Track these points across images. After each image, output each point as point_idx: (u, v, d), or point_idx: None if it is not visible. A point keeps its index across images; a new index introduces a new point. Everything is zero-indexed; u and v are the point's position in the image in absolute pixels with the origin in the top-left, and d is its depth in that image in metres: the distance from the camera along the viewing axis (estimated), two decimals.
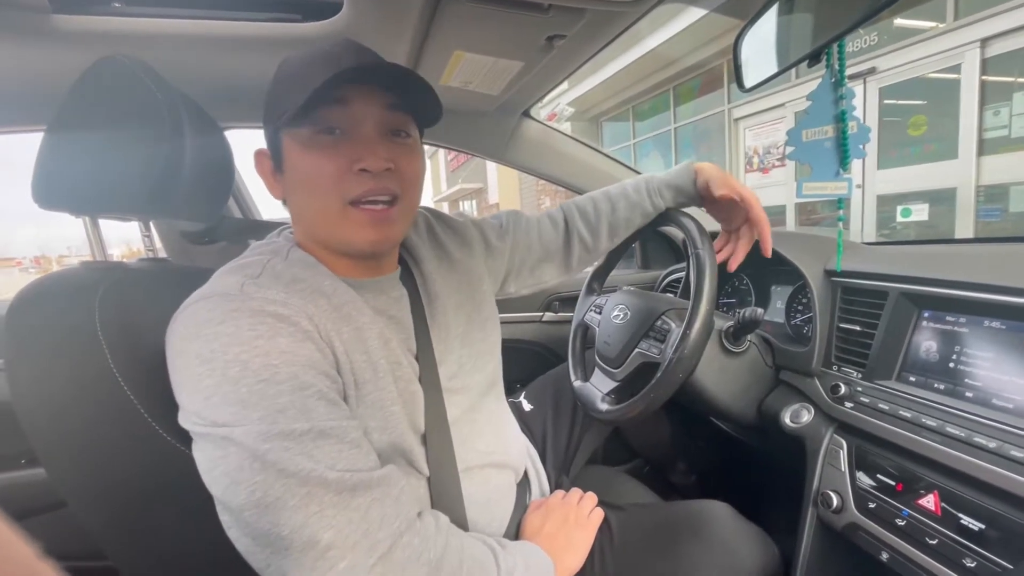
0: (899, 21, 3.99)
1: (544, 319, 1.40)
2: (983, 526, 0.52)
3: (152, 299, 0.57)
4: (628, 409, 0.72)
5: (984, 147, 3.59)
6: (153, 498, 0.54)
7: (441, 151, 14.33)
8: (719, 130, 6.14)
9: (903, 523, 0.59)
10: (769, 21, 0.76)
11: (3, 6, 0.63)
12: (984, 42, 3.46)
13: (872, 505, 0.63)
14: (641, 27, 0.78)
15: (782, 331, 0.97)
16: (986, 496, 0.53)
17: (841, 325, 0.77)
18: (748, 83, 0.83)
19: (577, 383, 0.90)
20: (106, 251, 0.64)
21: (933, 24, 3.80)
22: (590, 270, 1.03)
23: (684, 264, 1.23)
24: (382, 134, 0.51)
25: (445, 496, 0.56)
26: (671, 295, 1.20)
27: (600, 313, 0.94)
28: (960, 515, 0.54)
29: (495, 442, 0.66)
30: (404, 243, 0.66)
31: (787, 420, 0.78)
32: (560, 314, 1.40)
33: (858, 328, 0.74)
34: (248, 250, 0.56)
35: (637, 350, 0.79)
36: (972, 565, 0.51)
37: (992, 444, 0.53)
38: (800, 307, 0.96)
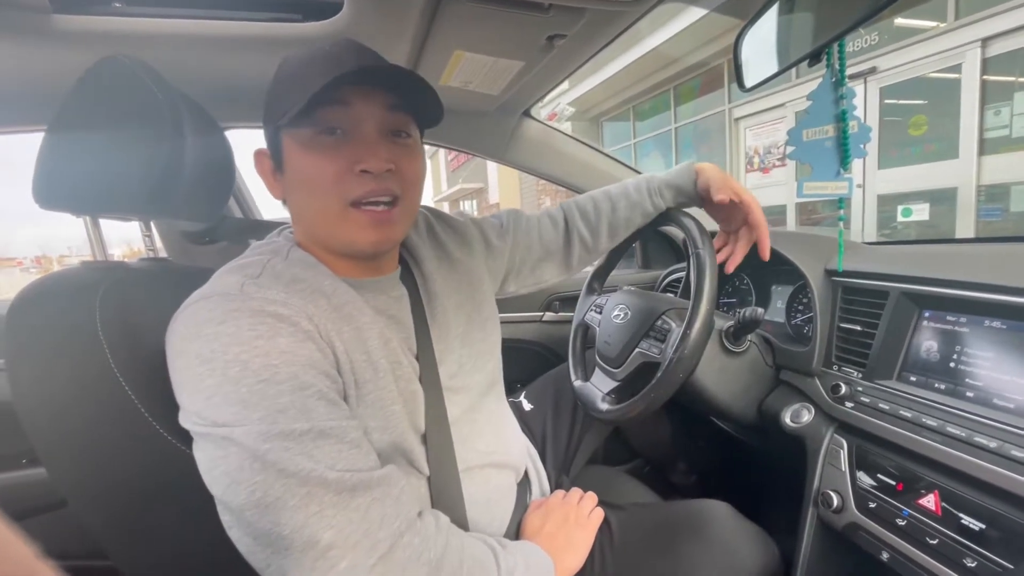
0: (900, 21, 3.99)
1: (544, 319, 1.40)
2: (984, 526, 0.52)
3: (153, 299, 0.57)
4: (628, 409, 0.72)
5: (985, 147, 3.59)
6: (154, 498, 0.54)
7: (441, 151, 14.33)
8: (720, 130, 6.14)
9: (903, 523, 0.59)
10: (769, 21, 0.76)
11: (4, 6, 0.63)
12: (985, 42, 3.46)
13: (872, 505, 0.63)
14: (641, 27, 0.78)
15: (782, 331, 0.97)
16: (987, 496, 0.53)
17: (841, 325, 0.77)
18: (748, 83, 0.82)
19: (577, 383, 0.90)
20: (107, 251, 0.64)
21: (934, 24, 3.80)
22: (590, 270, 1.03)
23: (684, 264, 1.23)
24: (383, 135, 0.51)
25: (445, 496, 0.56)
26: (671, 295, 1.20)
27: (600, 313, 0.94)
28: (961, 515, 0.54)
29: (495, 442, 0.66)
30: (404, 243, 0.66)
31: (787, 420, 0.78)
32: (560, 314, 1.40)
33: (859, 328, 0.74)
34: (248, 250, 0.56)
35: (637, 350, 0.79)
36: (973, 565, 0.51)
37: (993, 444, 0.53)
38: (800, 307, 0.96)
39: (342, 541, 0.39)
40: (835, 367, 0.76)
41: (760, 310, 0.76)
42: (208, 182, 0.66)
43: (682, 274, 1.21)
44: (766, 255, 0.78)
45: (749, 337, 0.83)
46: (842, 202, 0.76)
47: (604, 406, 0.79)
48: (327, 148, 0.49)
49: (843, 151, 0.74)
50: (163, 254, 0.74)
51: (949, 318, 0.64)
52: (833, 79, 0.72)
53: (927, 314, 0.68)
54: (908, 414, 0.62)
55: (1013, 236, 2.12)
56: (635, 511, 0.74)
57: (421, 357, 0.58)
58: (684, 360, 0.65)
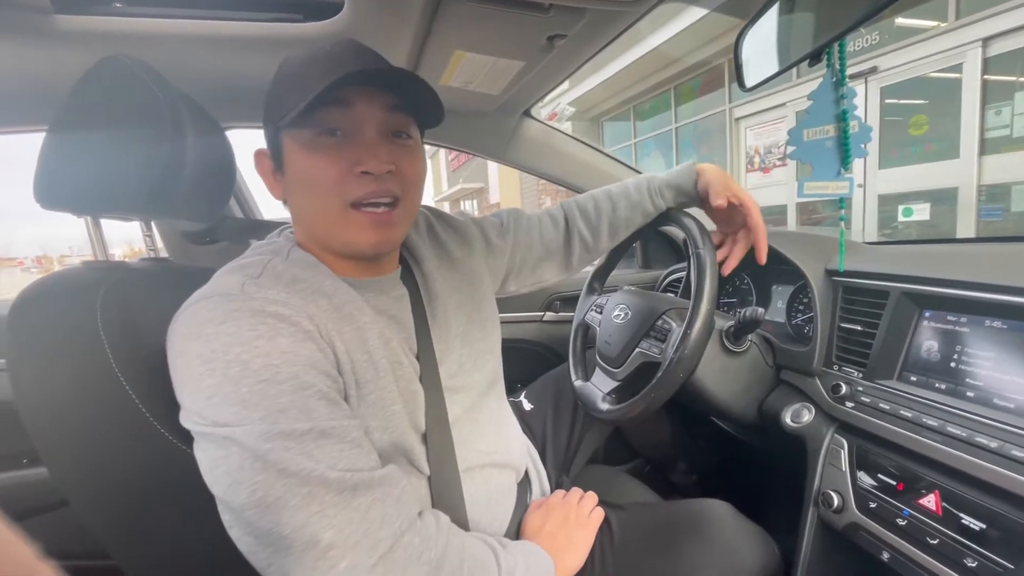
0: (900, 20, 3.99)
1: (545, 319, 1.40)
2: (984, 526, 0.52)
3: (153, 299, 0.57)
4: (629, 409, 0.72)
5: (986, 146, 3.59)
6: (155, 497, 0.54)
7: (442, 151, 14.34)
8: (720, 130, 6.14)
9: (904, 523, 0.59)
10: (770, 20, 0.76)
11: (5, 6, 0.63)
12: (986, 41, 3.46)
13: (873, 505, 0.63)
14: (642, 26, 0.78)
15: (783, 331, 0.97)
16: (987, 496, 0.53)
17: (842, 325, 0.77)
18: (749, 83, 0.82)
19: (578, 383, 0.90)
20: (108, 251, 0.64)
21: (934, 23, 3.79)
22: (591, 269, 1.03)
23: (685, 264, 1.23)
24: (383, 136, 0.51)
25: (446, 496, 0.56)
26: (672, 295, 1.20)
27: (601, 313, 0.94)
28: (961, 515, 0.54)
29: (496, 442, 0.66)
30: (405, 242, 0.66)
31: (788, 420, 0.78)
32: (561, 314, 1.40)
33: (859, 328, 0.74)
34: (249, 250, 0.56)
35: (638, 350, 0.79)
36: (973, 565, 0.51)
37: (993, 444, 0.53)
38: (801, 307, 0.96)
39: (343, 541, 0.39)
40: (835, 367, 0.76)
41: (760, 310, 0.76)
42: (209, 182, 0.66)
43: (682, 274, 1.21)
44: (763, 259, 0.78)
45: (750, 337, 0.83)
46: (843, 202, 0.76)
47: (604, 406, 0.80)
48: (328, 149, 0.49)
49: (844, 151, 0.74)
50: (164, 254, 0.74)
51: (950, 318, 0.64)
52: (834, 79, 0.72)
53: (928, 314, 0.67)
54: (909, 414, 0.62)
55: (1014, 236, 2.12)
56: (635, 511, 0.74)
57: (421, 357, 0.58)
58: (685, 360, 0.65)
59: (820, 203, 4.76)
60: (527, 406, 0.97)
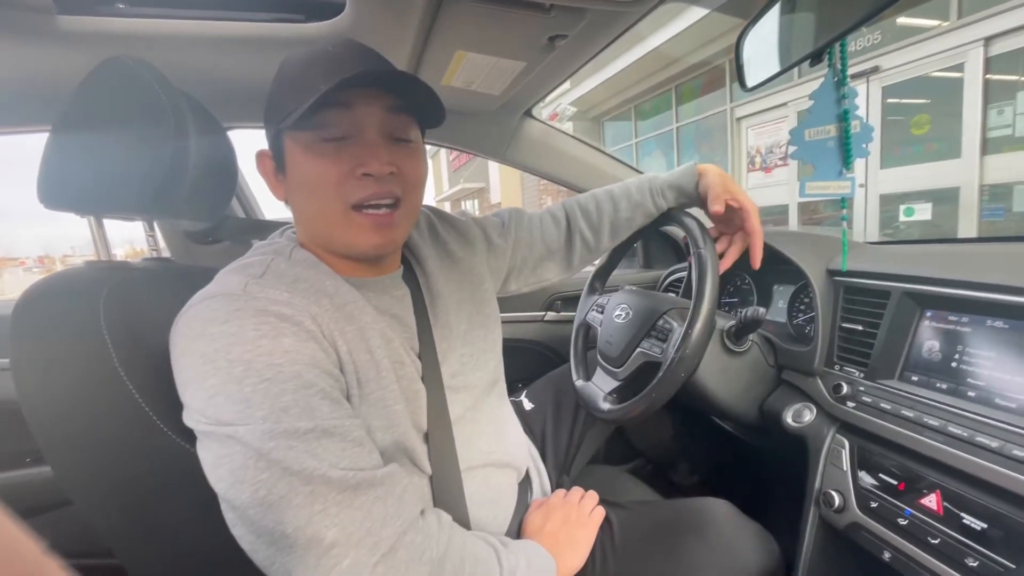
0: (902, 20, 3.98)
1: (546, 318, 1.40)
2: (985, 526, 0.52)
3: (156, 299, 0.57)
4: (630, 408, 0.72)
5: (988, 146, 3.58)
6: (158, 496, 0.54)
7: (443, 151, 14.34)
8: (721, 129, 6.13)
9: (905, 522, 0.59)
10: (771, 20, 0.76)
11: (8, 7, 0.64)
12: (987, 41, 3.45)
13: (874, 504, 0.63)
14: (643, 26, 0.77)
15: (784, 331, 0.97)
16: (988, 496, 0.53)
17: (843, 325, 0.77)
18: (750, 82, 0.82)
19: (579, 382, 0.90)
20: (110, 251, 0.65)
21: (936, 23, 3.79)
22: (592, 269, 1.03)
23: (686, 264, 1.23)
24: (384, 137, 0.51)
25: (447, 495, 0.56)
26: (673, 295, 1.20)
27: (602, 312, 0.94)
28: (962, 515, 0.54)
29: (497, 441, 0.66)
30: (406, 242, 0.66)
31: (789, 420, 0.78)
32: (562, 314, 1.40)
33: (860, 328, 0.74)
34: (251, 250, 0.56)
35: (639, 349, 0.79)
36: (974, 565, 0.51)
37: (994, 444, 0.53)
38: (802, 307, 0.96)
39: (345, 539, 0.40)
40: (837, 367, 0.76)
41: (762, 310, 0.76)
42: (211, 182, 0.67)
43: (684, 274, 1.21)
44: (757, 264, 0.77)
45: (751, 337, 0.83)
46: (844, 202, 0.76)
47: (606, 406, 0.80)
48: (329, 151, 0.49)
49: (845, 151, 0.74)
50: (166, 254, 0.74)
51: (951, 318, 0.64)
52: (835, 78, 0.72)
53: (929, 314, 0.67)
54: (910, 414, 0.62)
55: (1015, 236, 2.12)
56: (636, 510, 0.74)
57: (423, 356, 0.58)
58: (686, 360, 0.65)
59: (821, 203, 4.75)
60: (528, 406, 0.97)
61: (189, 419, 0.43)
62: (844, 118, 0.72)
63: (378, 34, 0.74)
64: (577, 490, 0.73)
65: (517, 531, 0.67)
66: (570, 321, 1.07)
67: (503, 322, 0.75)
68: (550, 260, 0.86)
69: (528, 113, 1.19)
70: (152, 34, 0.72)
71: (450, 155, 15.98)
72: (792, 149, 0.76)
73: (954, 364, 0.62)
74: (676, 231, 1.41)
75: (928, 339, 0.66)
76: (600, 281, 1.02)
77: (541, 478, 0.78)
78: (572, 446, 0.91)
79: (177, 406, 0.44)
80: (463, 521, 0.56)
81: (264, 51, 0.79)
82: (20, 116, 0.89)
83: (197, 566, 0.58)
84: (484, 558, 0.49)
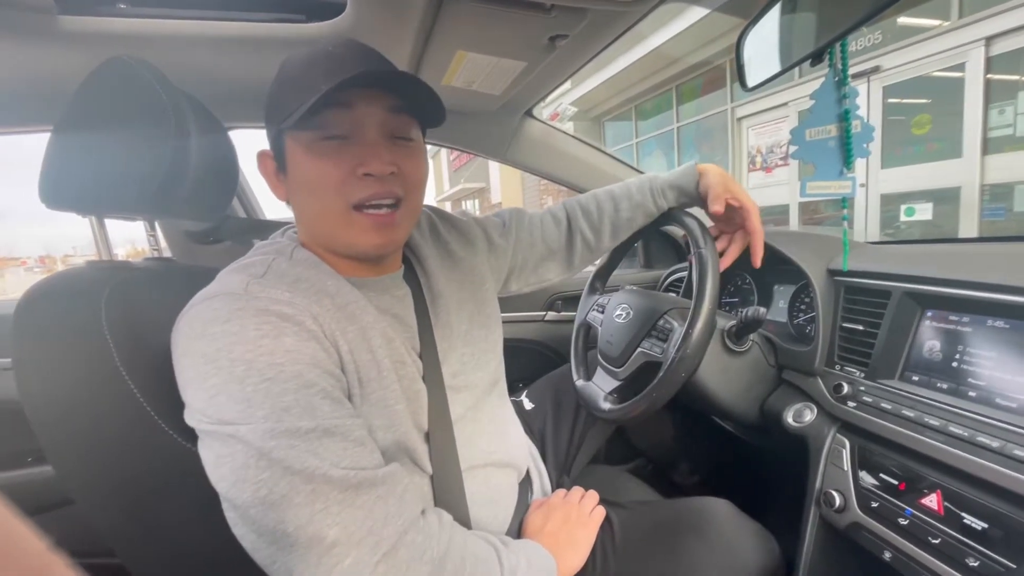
0: (903, 19, 3.98)
1: (547, 318, 1.40)
2: (986, 525, 0.52)
3: (158, 298, 0.57)
4: (630, 408, 0.72)
5: (989, 146, 3.58)
6: (160, 495, 0.54)
7: (443, 151, 14.34)
8: (722, 129, 6.13)
9: (906, 522, 0.59)
10: (772, 20, 0.76)
11: (9, 7, 0.64)
12: (989, 40, 3.45)
13: (875, 504, 0.63)
14: (643, 26, 0.78)
15: (785, 330, 0.97)
16: (989, 495, 0.53)
17: (844, 324, 0.77)
18: (751, 82, 0.82)
19: (579, 382, 0.90)
20: (112, 251, 0.65)
21: (937, 22, 3.78)
22: (592, 269, 1.03)
23: (686, 264, 1.23)
24: (385, 137, 0.51)
25: (448, 494, 0.57)
26: (674, 294, 1.20)
27: (603, 312, 0.94)
28: (963, 514, 0.54)
29: (497, 441, 0.66)
30: (407, 242, 0.66)
31: (790, 419, 0.78)
32: (562, 313, 1.40)
33: (861, 327, 0.74)
34: (252, 250, 0.56)
35: (639, 349, 0.79)
36: (975, 564, 0.51)
37: (995, 443, 0.53)
38: (803, 306, 0.96)
39: (346, 538, 0.40)
40: (837, 367, 0.76)
41: (762, 310, 0.76)
42: (212, 182, 0.67)
43: (684, 274, 1.21)
44: (757, 263, 0.77)
45: (751, 337, 0.83)
46: (845, 202, 0.76)
47: (606, 406, 0.80)
48: (330, 151, 0.50)
49: (846, 150, 0.74)
50: (167, 254, 0.74)
51: (952, 318, 0.64)
52: (836, 78, 0.72)
53: (930, 314, 0.67)
54: (911, 414, 0.62)
55: (1016, 236, 2.12)
56: (636, 509, 0.74)
57: (424, 356, 0.58)
58: (686, 360, 0.65)
59: (822, 203, 4.75)
60: (528, 405, 0.97)
61: (191, 418, 0.43)
62: (845, 118, 0.72)
63: (379, 34, 0.74)
64: (577, 490, 0.73)
65: (517, 531, 0.67)
66: (570, 321, 1.07)
67: (504, 322, 0.75)
68: (551, 260, 0.87)
69: (529, 113, 1.19)
70: (153, 34, 0.72)
71: (451, 155, 15.99)
72: (793, 149, 0.76)
73: (955, 364, 0.62)
74: (677, 231, 1.41)
75: (929, 339, 0.66)
76: (601, 281, 1.02)
77: (541, 478, 0.79)
78: (572, 446, 0.91)
79: (178, 406, 0.44)
80: (464, 521, 0.56)
81: (265, 51, 0.79)
82: (21, 116, 0.89)
83: (198, 565, 0.58)
84: (485, 557, 0.49)
